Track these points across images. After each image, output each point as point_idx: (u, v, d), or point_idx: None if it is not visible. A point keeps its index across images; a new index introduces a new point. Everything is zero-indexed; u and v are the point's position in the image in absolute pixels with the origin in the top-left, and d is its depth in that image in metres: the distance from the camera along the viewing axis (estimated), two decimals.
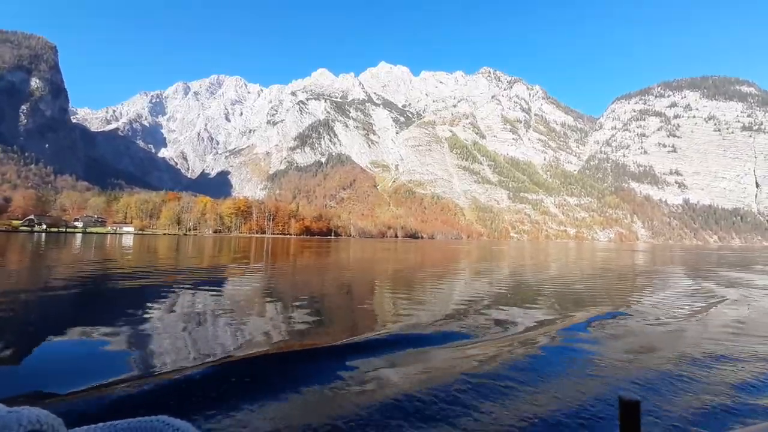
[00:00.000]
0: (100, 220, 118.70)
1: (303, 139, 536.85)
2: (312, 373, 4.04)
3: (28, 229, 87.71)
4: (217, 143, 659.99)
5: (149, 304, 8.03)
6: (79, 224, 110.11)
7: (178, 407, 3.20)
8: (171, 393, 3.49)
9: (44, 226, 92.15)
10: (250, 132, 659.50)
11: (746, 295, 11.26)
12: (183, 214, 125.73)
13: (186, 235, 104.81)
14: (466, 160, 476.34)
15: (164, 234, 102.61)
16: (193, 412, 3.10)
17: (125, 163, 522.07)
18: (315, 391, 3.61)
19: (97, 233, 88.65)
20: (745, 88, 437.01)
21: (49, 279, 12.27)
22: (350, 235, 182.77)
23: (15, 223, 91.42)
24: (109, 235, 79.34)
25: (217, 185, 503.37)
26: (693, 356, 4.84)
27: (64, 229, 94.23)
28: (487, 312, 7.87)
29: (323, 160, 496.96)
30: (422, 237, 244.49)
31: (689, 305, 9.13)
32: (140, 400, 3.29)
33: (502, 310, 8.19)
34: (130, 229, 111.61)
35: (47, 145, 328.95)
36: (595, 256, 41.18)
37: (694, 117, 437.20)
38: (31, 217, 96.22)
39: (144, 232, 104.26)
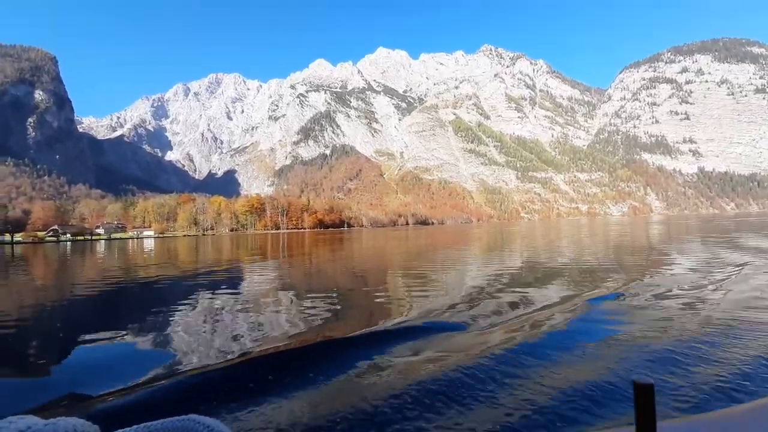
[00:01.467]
0: (120, 225, 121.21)
1: (306, 133, 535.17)
2: (336, 365, 4.05)
3: (54, 239, 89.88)
4: (222, 142, 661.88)
5: (176, 303, 8.39)
6: (101, 231, 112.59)
7: (206, 404, 3.23)
8: (199, 390, 3.54)
9: (68, 235, 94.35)
10: (252, 129, 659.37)
11: (764, 263, 10.92)
12: (199, 215, 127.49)
13: (204, 235, 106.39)
14: (472, 142, 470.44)
15: (184, 235, 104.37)
16: (221, 408, 3.14)
17: (133, 169, 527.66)
18: (339, 383, 3.62)
19: (120, 239, 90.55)
20: (756, 50, 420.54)
21: (88, 283, 12.96)
22: (362, 226, 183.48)
23: (40, 234, 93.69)
24: (132, 240, 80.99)
25: (224, 184, 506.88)
26: (709, 331, 4.80)
27: (90, 237, 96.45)
28: (502, 294, 8.00)
29: (327, 152, 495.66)
30: (432, 223, 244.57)
31: (704, 277, 8.90)
32: (169, 398, 3.35)
33: (517, 291, 8.30)
34: (150, 232, 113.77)
35: (57, 156, 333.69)
36: (608, 231, 41.01)
37: (706, 82, 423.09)
38: (55, 227, 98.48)
39: (164, 235, 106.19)
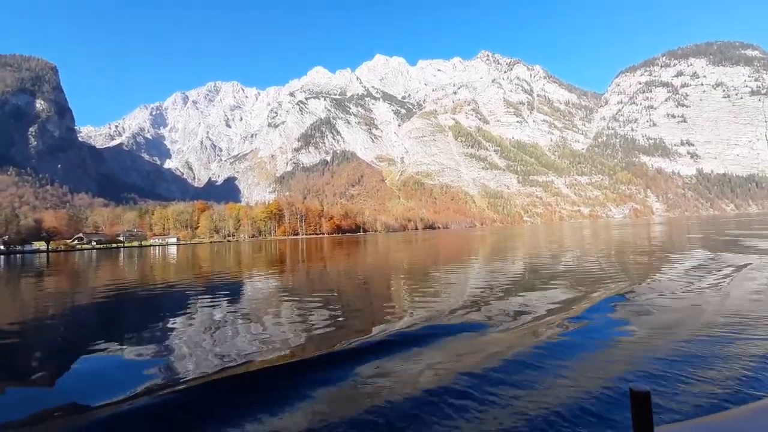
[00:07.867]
0: (140, 233, 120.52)
1: (306, 139, 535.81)
2: (339, 374, 3.98)
3: (88, 246, 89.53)
4: (221, 150, 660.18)
5: (196, 310, 9.08)
6: (121, 238, 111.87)
7: (208, 414, 3.18)
8: (201, 401, 3.49)
9: (93, 243, 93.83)
10: (252, 136, 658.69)
11: (764, 263, 10.99)
12: (219, 222, 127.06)
13: (229, 241, 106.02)
14: (472, 147, 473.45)
15: (210, 242, 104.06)
16: (224, 418, 3.06)
17: (133, 177, 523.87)
18: (342, 393, 3.55)
19: (150, 245, 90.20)
20: (750, 52, 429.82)
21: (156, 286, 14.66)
22: (376, 230, 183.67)
23: (68, 242, 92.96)
24: (160, 247, 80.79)
25: (225, 192, 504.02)
26: (709, 335, 4.73)
27: (122, 244, 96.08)
28: (506, 299, 8.25)
29: (328, 158, 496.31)
30: (439, 227, 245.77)
31: (705, 279, 8.99)
32: (168, 409, 3.28)
33: (522, 295, 8.53)
34: (174, 239, 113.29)
35: (59, 165, 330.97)
36: (611, 234, 41.78)
37: (701, 85, 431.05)
38: (80, 235, 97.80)
39: (190, 242, 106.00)
